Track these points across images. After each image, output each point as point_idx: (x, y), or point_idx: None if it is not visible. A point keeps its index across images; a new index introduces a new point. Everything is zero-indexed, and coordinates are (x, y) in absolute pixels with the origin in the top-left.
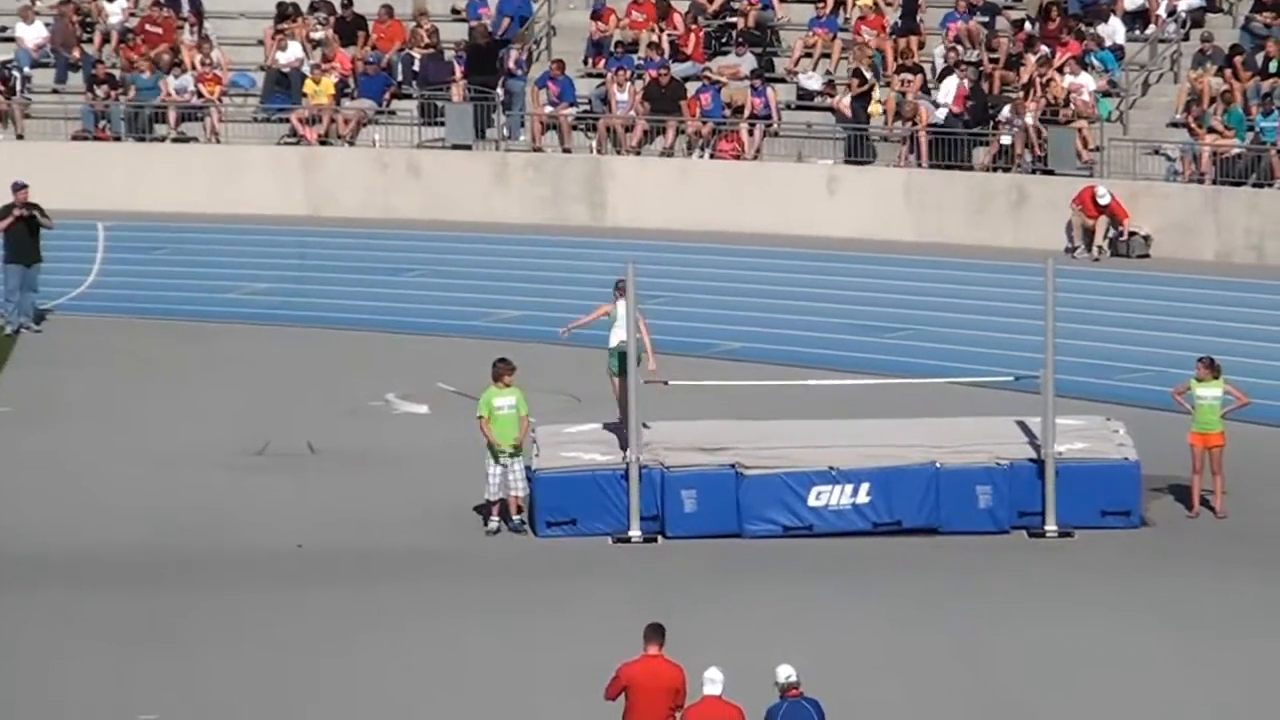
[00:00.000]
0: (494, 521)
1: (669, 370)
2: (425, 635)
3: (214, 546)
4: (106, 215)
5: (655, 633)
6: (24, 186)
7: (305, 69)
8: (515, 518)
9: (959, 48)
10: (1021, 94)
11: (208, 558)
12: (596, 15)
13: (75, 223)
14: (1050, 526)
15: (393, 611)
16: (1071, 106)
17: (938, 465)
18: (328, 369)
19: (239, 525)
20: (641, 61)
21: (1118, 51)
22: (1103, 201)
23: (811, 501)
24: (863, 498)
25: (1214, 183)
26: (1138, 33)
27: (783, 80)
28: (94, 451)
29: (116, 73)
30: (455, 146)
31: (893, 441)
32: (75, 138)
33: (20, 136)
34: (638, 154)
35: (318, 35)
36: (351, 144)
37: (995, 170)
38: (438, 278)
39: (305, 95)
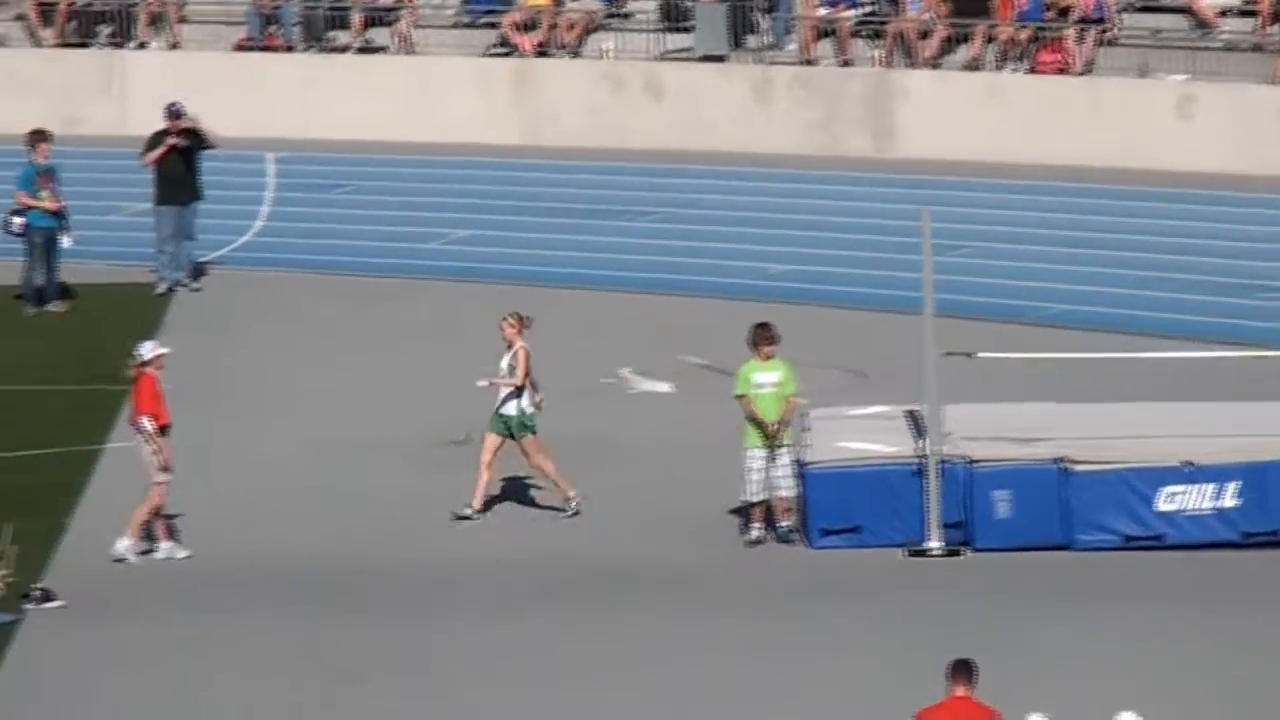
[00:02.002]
0: (756, 529)
1: (972, 337)
2: (667, 672)
3: (400, 558)
4: (277, 145)
5: (963, 671)
6: (180, 113)
7: None
8: (782, 524)
9: None
10: None
11: (392, 572)
12: None
13: (239, 154)
14: None
15: (625, 640)
16: None
17: None
18: (548, 337)
19: (432, 533)
20: None
21: None
22: None
23: (1161, 505)
24: (1229, 500)
25: None
26: None
27: None
28: (258, 440)
29: None
30: (706, 58)
31: (1267, 430)
32: (239, 47)
33: (175, 46)
34: (935, 67)
35: None
36: (576, 55)
37: None
38: (681, 223)
39: None
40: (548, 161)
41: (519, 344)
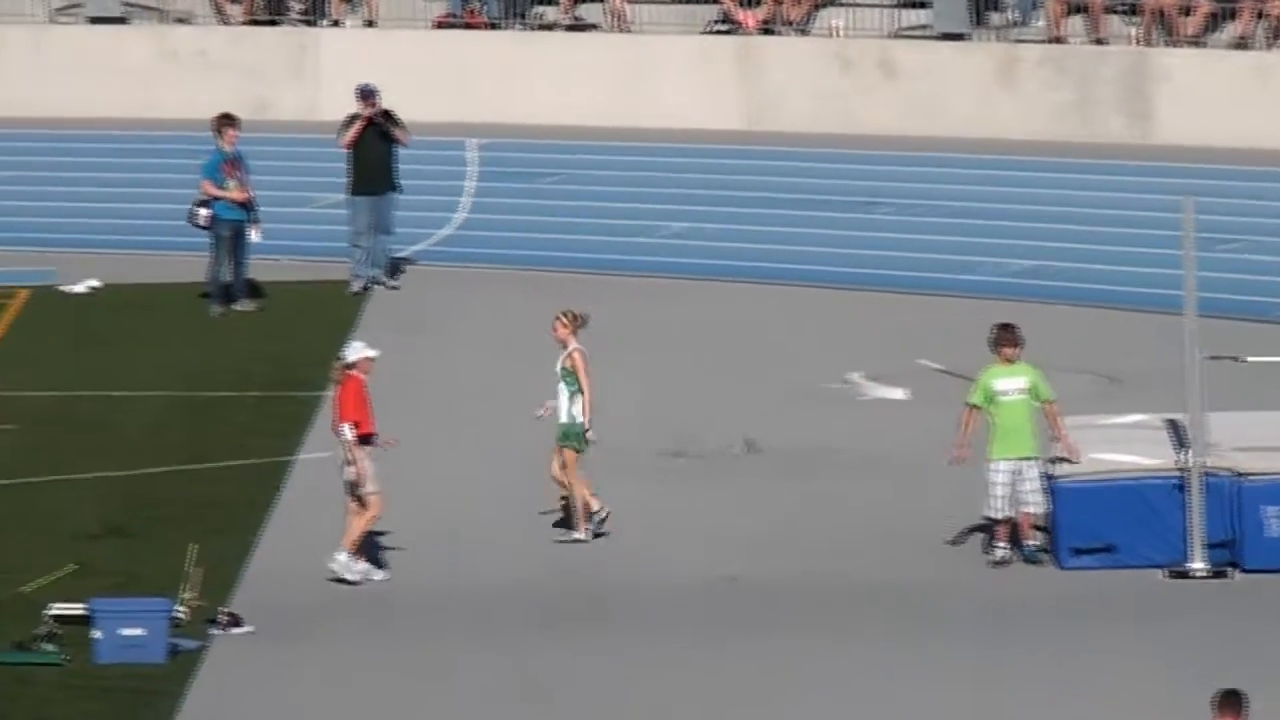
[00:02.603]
0: (1001, 548)
1: (1238, 339)
2: (904, 698)
3: (616, 579)
4: (479, 130)
5: (1231, 702)
6: (374, 93)
7: None
8: (1029, 543)
9: None
10: None
11: (608, 592)
12: None
13: (438, 141)
14: None
15: (860, 664)
16: None
17: None
18: (771, 339)
19: (651, 550)
20: None
21: None
22: None
23: None
24: None
25: None
26: None
27: None
28: (460, 453)
29: None
30: (945, 36)
31: None
32: (438, 25)
33: (370, 23)
34: (1198, 46)
35: None
36: (804, 32)
37: None
38: (916, 214)
39: None
40: (772, 148)
41: (573, 345)
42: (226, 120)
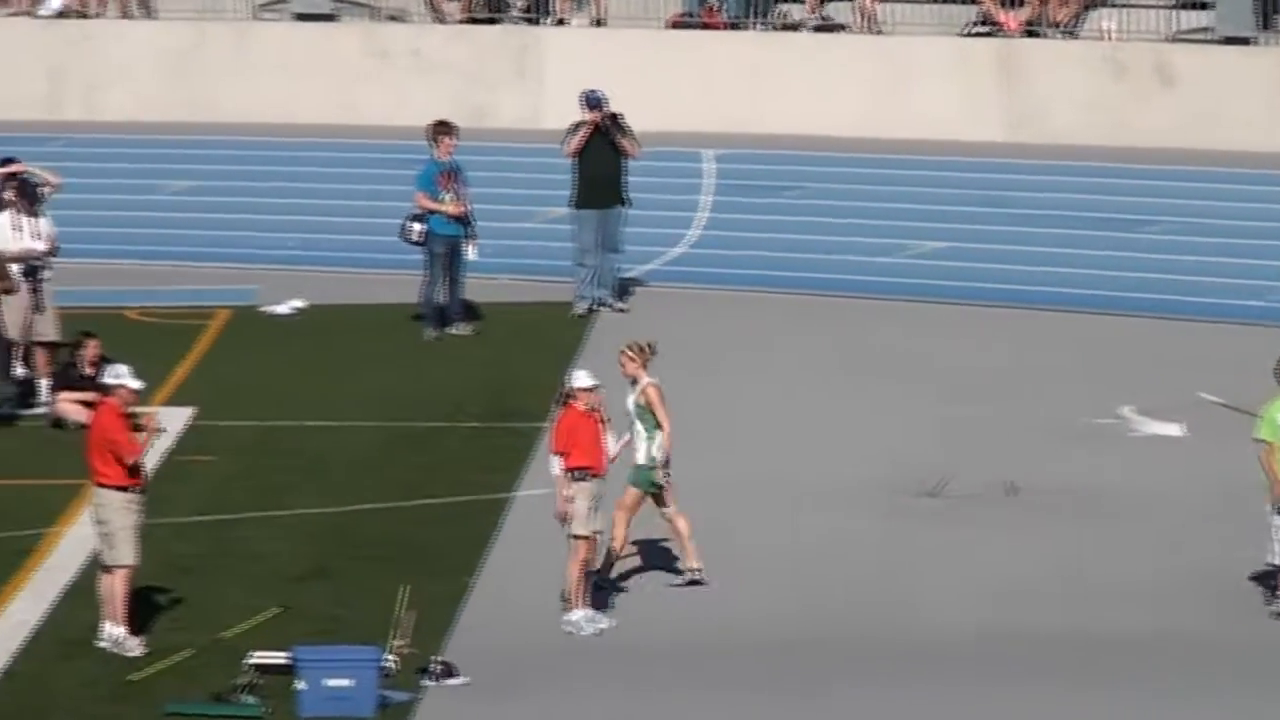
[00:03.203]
0: None
1: None
2: None
3: (868, 630)
4: (716, 140)
5: None
6: (602, 100)
7: None
8: None
9: None
10: None
11: (858, 643)
12: None
13: (672, 151)
14: None
15: None
16: None
17: None
18: (1033, 369)
19: (903, 598)
20: None
21: None
22: None
23: None
24: None
25: None
26: None
27: None
28: (691, 486)
29: None
30: (1228, 40)
31: None
32: (673, 25)
33: (599, 22)
34: None
35: None
36: (1071, 35)
37: None
38: (1195, 234)
39: None
40: (1036, 162)
41: (645, 379)
42: (442, 128)
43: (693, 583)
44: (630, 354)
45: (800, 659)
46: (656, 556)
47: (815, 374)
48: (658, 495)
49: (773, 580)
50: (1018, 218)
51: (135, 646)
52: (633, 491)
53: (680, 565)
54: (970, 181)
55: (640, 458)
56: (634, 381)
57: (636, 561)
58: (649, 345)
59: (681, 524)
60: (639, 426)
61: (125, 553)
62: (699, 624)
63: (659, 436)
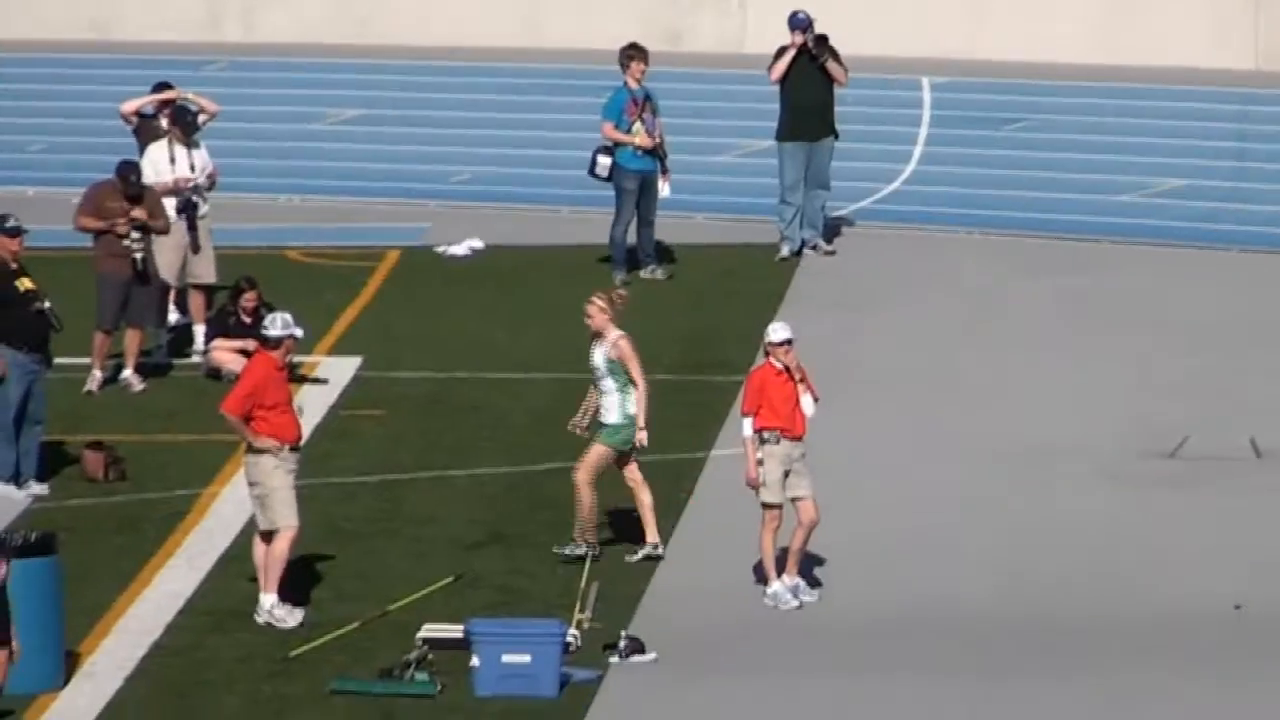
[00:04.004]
0: None
1: None
2: None
3: (1095, 606)
4: (934, 67)
5: None
6: (808, 23)
7: None
8: None
9: None
10: None
11: (1082, 621)
12: None
13: (886, 80)
14: None
15: None
16: None
17: None
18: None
19: (1136, 571)
20: None
21: None
22: None
23: None
24: None
25: None
26: None
27: None
28: (903, 448)
29: None
30: None
31: None
32: None
33: None
34: None
35: None
36: None
37: None
38: None
39: None
40: None
41: (614, 333)
42: (632, 53)
43: (649, 558)
44: (600, 304)
45: (1018, 637)
46: (866, 520)
47: (1038, 323)
48: (624, 456)
49: (988, 551)
50: (1267, 154)
51: (295, 619)
52: (602, 451)
53: (643, 538)
54: (1214, 114)
55: (613, 417)
56: (599, 335)
57: (851, 526)
58: (619, 296)
59: (646, 495)
60: (609, 383)
61: (282, 515)
62: (910, 597)
63: (633, 393)
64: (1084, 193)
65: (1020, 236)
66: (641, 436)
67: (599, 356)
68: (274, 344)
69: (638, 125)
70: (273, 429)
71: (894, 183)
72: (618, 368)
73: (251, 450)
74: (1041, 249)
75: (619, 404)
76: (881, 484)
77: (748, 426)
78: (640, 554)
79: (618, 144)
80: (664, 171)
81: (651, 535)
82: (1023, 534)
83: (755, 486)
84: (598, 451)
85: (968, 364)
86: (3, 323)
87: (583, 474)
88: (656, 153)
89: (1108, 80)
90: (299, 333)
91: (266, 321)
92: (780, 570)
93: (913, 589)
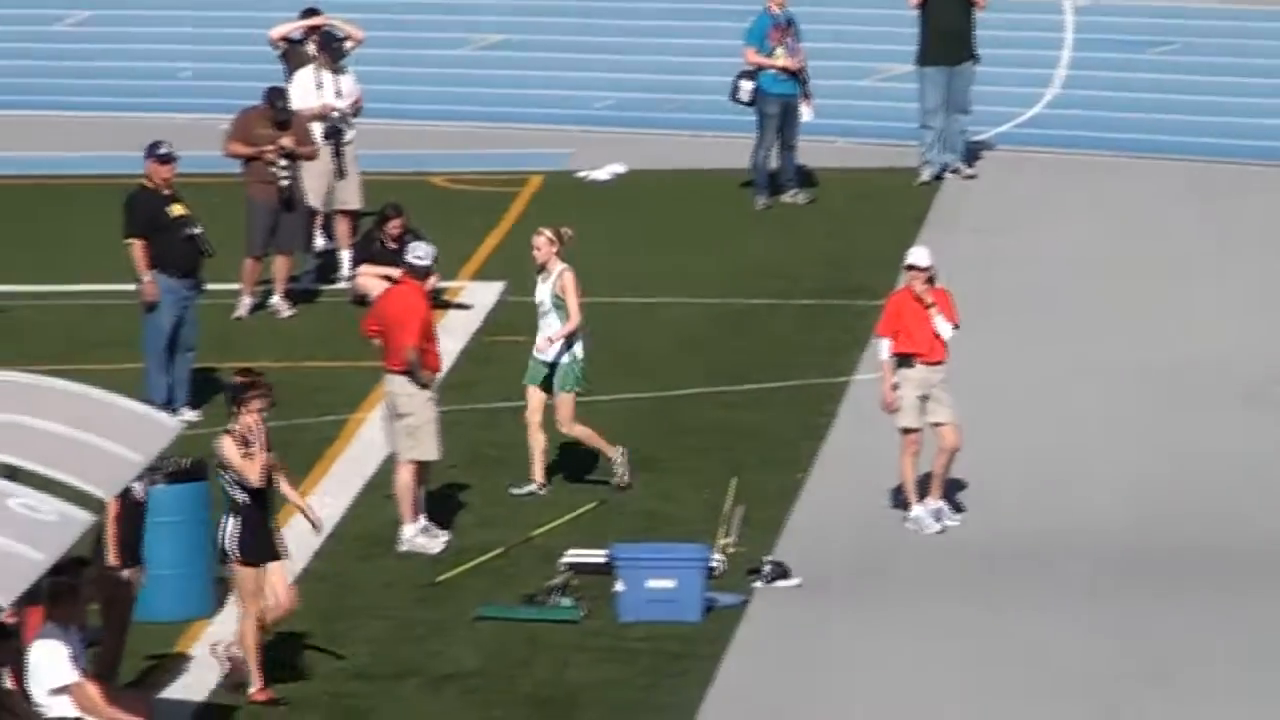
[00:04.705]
0: None
1: None
2: None
3: (1237, 531)
4: None
5: None
6: None
7: None
8: None
9: None
10: None
11: (1224, 546)
12: None
13: (1026, 2)
14: None
15: None
16: None
17: None
18: None
19: (1241, 503)
20: None
21: None
22: None
23: None
24: None
25: None
26: None
27: None
28: (1046, 374)
29: None
30: None
31: None
32: None
33: None
34: None
35: None
36: None
37: None
38: None
39: None
40: None
41: (560, 266)
42: None
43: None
44: (550, 237)
45: (1156, 563)
46: (1001, 447)
47: (1183, 247)
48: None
49: (1132, 474)
50: None
51: (438, 545)
52: (565, 397)
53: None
54: None
55: (559, 354)
56: (544, 268)
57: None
58: (565, 231)
59: (544, 437)
60: (553, 318)
61: (429, 447)
62: (1040, 525)
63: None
64: (1230, 115)
65: (1164, 160)
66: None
67: (544, 291)
68: (422, 273)
69: (780, 50)
70: (433, 361)
71: (1036, 106)
72: (563, 302)
73: (413, 382)
74: (1186, 172)
75: (562, 344)
76: (1024, 408)
77: (884, 349)
78: (526, 489)
79: (760, 68)
80: (806, 96)
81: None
82: (1166, 458)
83: (891, 410)
84: (563, 399)
85: (1111, 288)
86: (155, 249)
87: (566, 427)
88: (798, 77)
89: (1258, 4)
90: (429, 262)
91: (417, 251)
92: (923, 495)
93: (1055, 513)
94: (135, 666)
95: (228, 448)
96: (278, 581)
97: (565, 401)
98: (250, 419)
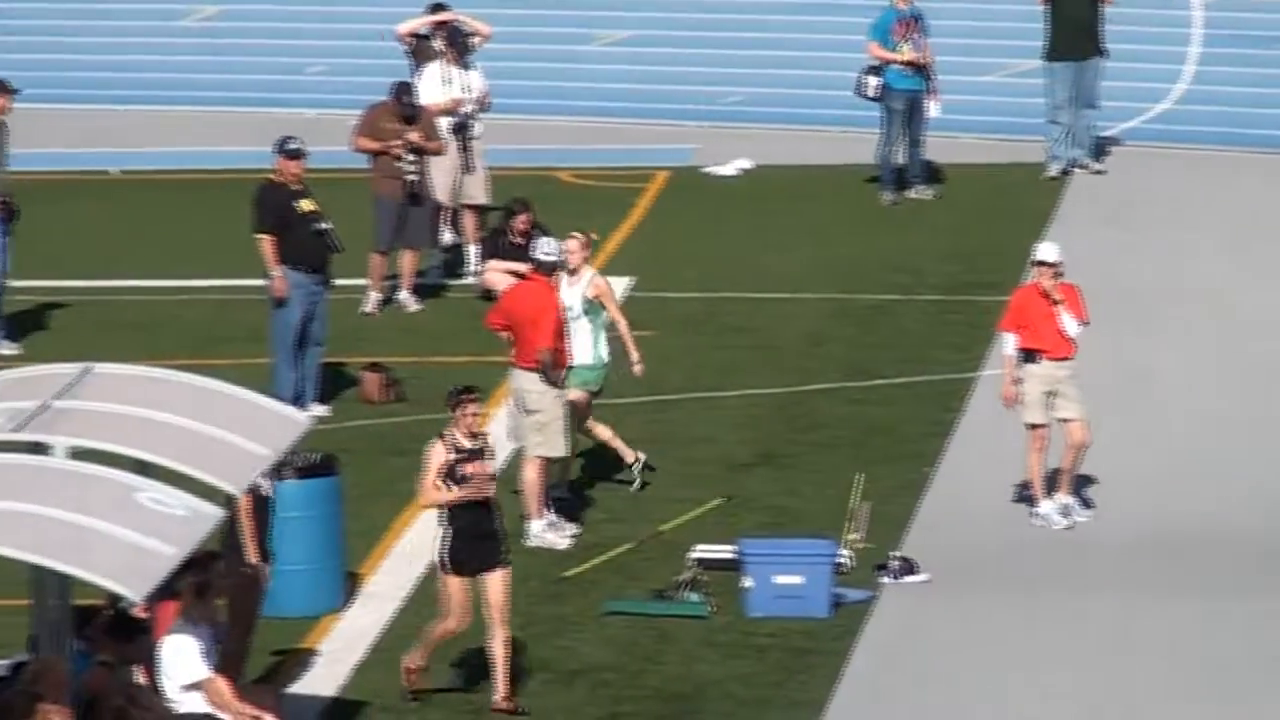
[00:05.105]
0: None
1: None
2: None
3: None
4: None
5: None
6: None
7: None
8: None
9: None
10: None
11: None
12: None
13: None
14: None
15: None
16: None
17: None
18: None
19: None
20: None
21: None
22: None
23: None
24: None
25: None
26: None
27: None
28: (1180, 370)
29: None
30: None
31: None
32: None
33: None
34: None
35: None
36: None
37: None
38: None
39: None
40: None
41: (589, 272)
42: None
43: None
44: (585, 241)
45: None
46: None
47: None
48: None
49: (1259, 473)
50: None
51: (566, 541)
52: (585, 396)
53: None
54: None
55: (588, 358)
56: (575, 273)
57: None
58: (594, 236)
59: (603, 428)
60: (584, 322)
61: (557, 444)
62: (1174, 519)
63: (604, 335)
64: None
65: None
66: (640, 368)
67: (574, 295)
68: (550, 269)
69: (905, 45)
70: (560, 359)
71: (1164, 101)
72: (595, 306)
73: (544, 380)
74: None
75: (593, 344)
76: (1155, 404)
77: (1008, 344)
78: (634, 476)
79: (886, 63)
80: (932, 91)
81: (630, 455)
82: None
83: (1011, 404)
84: (580, 398)
85: (1240, 285)
86: (284, 244)
87: (588, 421)
88: (924, 72)
89: None
90: (560, 258)
91: (545, 247)
92: (1050, 490)
93: (1185, 510)
94: (263, 662)
95: (433, 455)
96: (492, 595)
97: (581, 399)
98: (464, 424)
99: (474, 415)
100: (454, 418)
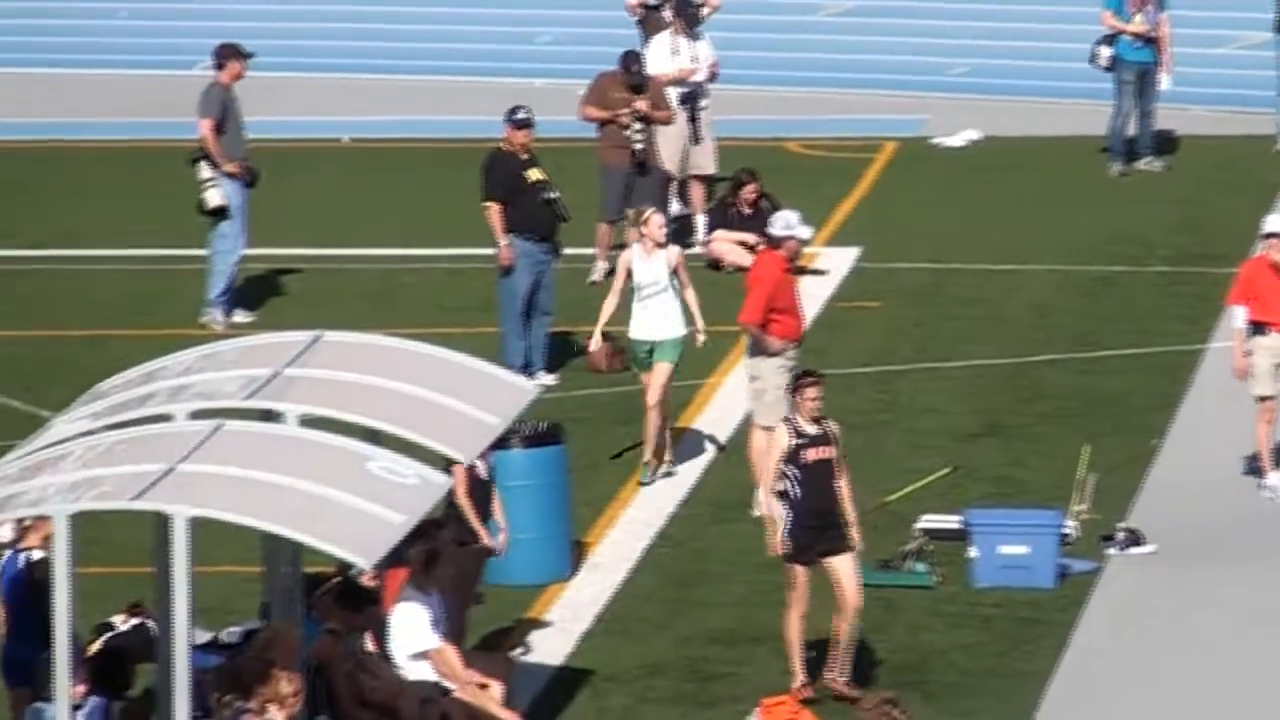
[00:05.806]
0: None
1: None
2: None
3: None
4: None
5: None
6: None
7: None
8: None
9: None
10: None
11: None
12: None
13: None
14: None
15: None
16: None
17: None
18: None
19: None
20: None
21: None
22: None
23: None
24: None
25: None
26: None
27: None
28: None
29: None
30: None
31: None
32: None
33: None
34: None
35: None
36: None
37: None
38: None
39: None
40: None
41: (672, 246)
42: None
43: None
44: (660, 221)
45: None
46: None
47: None
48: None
49: None
50: None
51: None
52: (669, 369)
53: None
54: None
55: (675, 330)
56: (660, 247)
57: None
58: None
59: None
60: (669, 295)
61: (771, 414)
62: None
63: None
64: None
65: None
66: (703, 338)
67: (660, 269)
68: (777, 242)
69: (1139, 16)
70: (784, 330)
71: None
72: (676, 279)
73: (760, 350)
74: None
75: (679, 315)
76: None
77: (1238, 317)
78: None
79: (1118, 33)
80: (1164, 63)
81: (659, 457)
82: None
83: (1243, 377)
84: (665, 370)
85: None
86: (512, 213)
87: (655, 396)
88: (1156, 44)
89: None
90: (804, 234)
91: (773, 220)
92: (1278, 462)
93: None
94: (485, 632)
95: (777, 440)
96: (842, 577)
97: (666, 371)
98: (805, 409)
99: (814, 400)
100: (795, 402)
